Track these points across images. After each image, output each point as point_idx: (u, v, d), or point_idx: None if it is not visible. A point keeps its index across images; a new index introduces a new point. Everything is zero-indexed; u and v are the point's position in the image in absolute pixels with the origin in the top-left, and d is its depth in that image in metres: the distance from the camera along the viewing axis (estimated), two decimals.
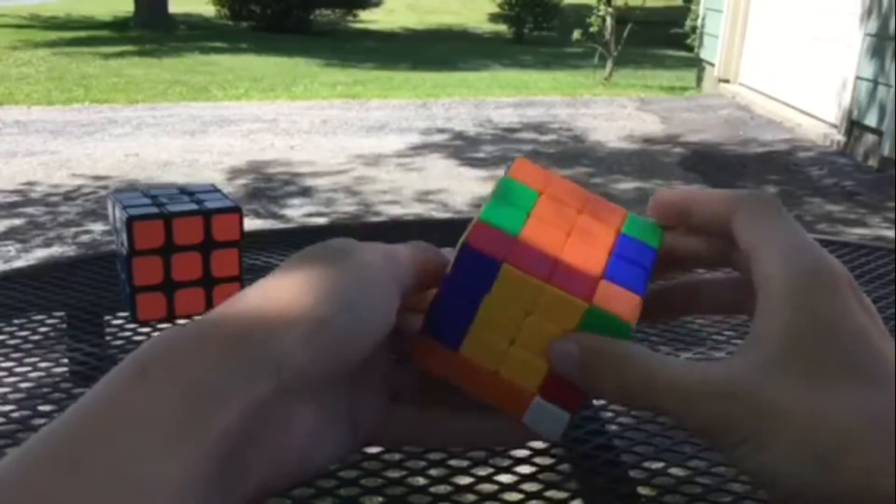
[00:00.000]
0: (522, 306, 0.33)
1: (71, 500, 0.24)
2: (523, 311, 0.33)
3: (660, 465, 0.50)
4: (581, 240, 0.35)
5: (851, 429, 0.29)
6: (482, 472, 0.50)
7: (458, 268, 0.33)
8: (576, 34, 8.26)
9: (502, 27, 12.38)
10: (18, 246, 3.27)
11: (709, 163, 4.95)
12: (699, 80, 8.12)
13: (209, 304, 0.71)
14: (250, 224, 3.23)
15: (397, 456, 0.52)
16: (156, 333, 0.30)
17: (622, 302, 0.33)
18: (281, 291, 0.31)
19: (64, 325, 0.71)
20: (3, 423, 0.55)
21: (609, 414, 0.57)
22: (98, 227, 3.50)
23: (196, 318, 0.31)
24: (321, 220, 3.70)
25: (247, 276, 0.73)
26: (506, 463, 0.51)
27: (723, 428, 0.31)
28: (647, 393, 0.32)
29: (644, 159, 4.99)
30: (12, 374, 0.62)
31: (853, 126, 5.28)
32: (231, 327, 0.29)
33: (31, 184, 4.14)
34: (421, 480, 0.49)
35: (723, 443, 0.31)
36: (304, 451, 0.32)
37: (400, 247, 0.35)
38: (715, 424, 0.31)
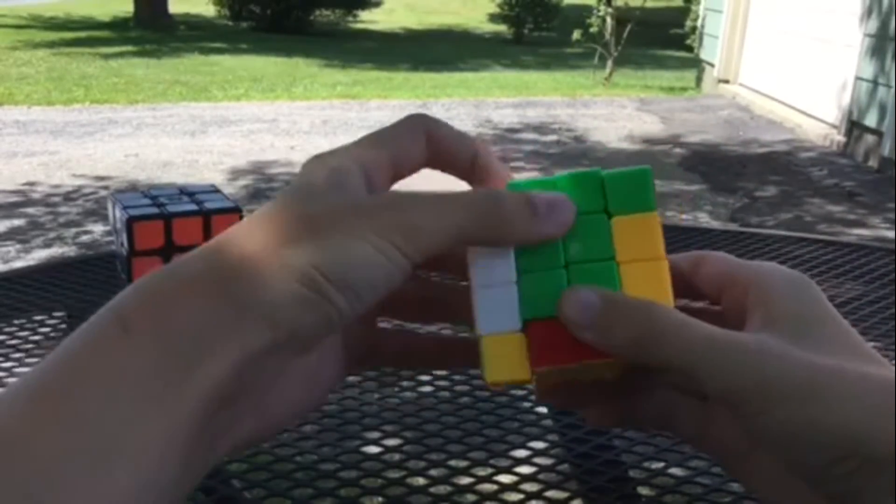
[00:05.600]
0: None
1: (48, 454, 0.24)
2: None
3: (660, 465, 0.50)
4: None
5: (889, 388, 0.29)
6: (482, 472, 0.50)
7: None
8: (576, 34, 8.26)
9: (502, 27, 12.37)
10: (18, 246, 3.27)
11: (709, 163, 4.95)
12: (699, 80, 8.11)
13: None
14: None
15: (397, 456, 0.52)
16: (131, 284, 0.28)
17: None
18: (270, 236, 0.28)
19: (64, 325, 0.71)
20: None
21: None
22: (98, 227, 3.49)
23: (177, 260, 0.28)
24: None
25: None
26: (506, 463, 0.51)
27: (758, 387, 0.29)
28: (675, 345, 0.30)
29: (644, 160, 4.99)
30: (12, 374, 0.62)
31: (853, 126, 5.28)
32: (219, 274, 0.27)
33: (31, 184, 4.14)
34: (421, 481, 0.49)
35: (752, 406, 0.29)
36: (296, 399, 0.32)
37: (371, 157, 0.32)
38: (747, 384, 0.29)
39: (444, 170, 0.35)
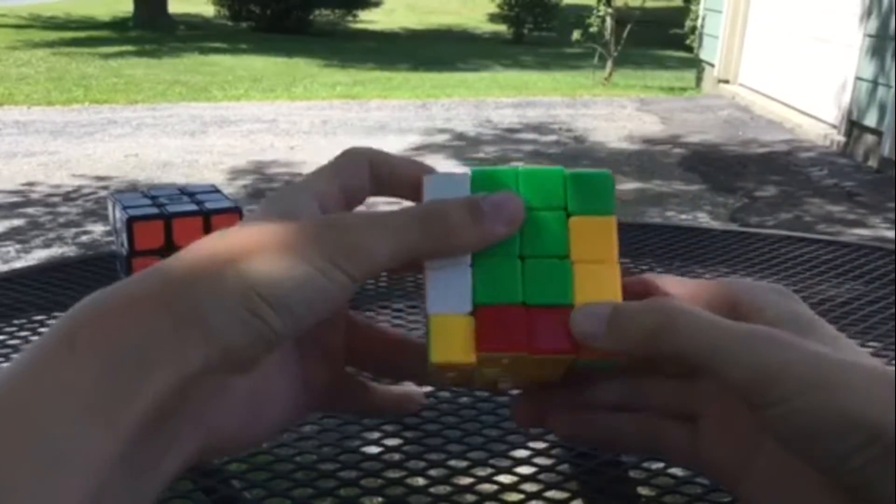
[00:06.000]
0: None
1: None
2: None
3: (660, 465, 0.50)
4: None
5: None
6: (482, 472, 0.50)
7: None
8: (575, 34, 8.26)
9: (502, 27, 12.37)
10: (18, 246, 3.27)
11: (709, 163, 4.95)
12: (699, 80, 8.11)
13: None
14: None
15: (397, 456, 0.52)
16: (86, 298, 0.28)
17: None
18: (217, 255, 0.29)
19: None
20: None
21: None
22: (98, 227, 3.49)
23: (135, 275, 0.29)
24: None
25: None
26: (506, 463, 0.51)
27: (781, 374, 0.29)
28: (690, 335, 0.30)
29: (644, 160, 4.99)
30: None
31: (853, 126, 5.28)
32: (166, 291, 0.28)
33: (31, 184, 4.14)
34: (421, 481, 0.49)
35: (772, 394, 0.29)
36: (243, 420, 0.32)
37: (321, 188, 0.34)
38: (769, 372, 0.29)
39: (393, 195, 0.36)
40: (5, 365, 0.63)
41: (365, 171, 0.35)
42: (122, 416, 0.26)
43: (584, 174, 0.34)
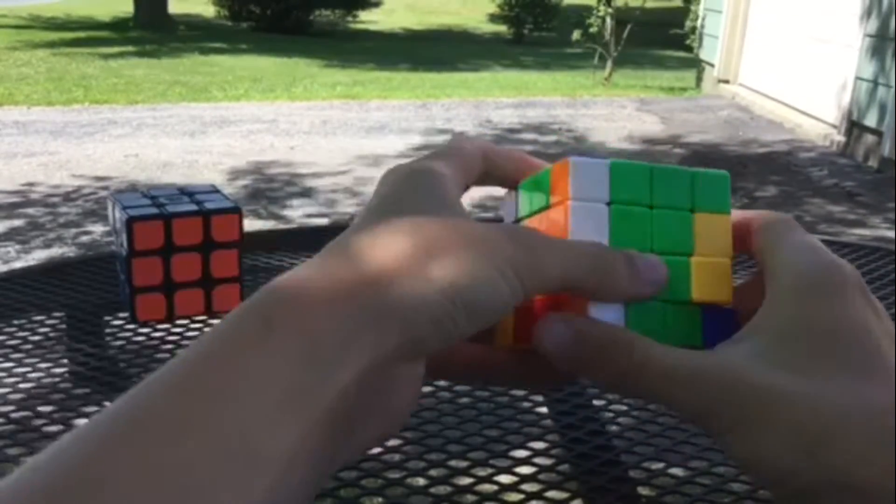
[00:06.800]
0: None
1: (176, 466, 0.23)
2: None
3: (660, 465, 0.50)
4: None
5: (840, 418, 0.29)
6: (482, 472, 0.50)
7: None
8: (575, 35, 8.26)
9: (502, 28, 12.38)
10: (18, 247, 3.27)
11: (709, 163, 4.94)
12: (699, 80, 8.12)
13: (209, 305, 0.71)
14: (250, 225, 3.23)
15: (397, 457, 0.52)
16: (273, 281, 0.28)
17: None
18: (403, 246, 0.29)
19: (64, 326, 0.71)
20: (3, 424, 0.55)
21: (609, 414, 0.57)
22: (98, 227, 3.50)
23: (314, 261, 0.29)
24: (322, 221, 3.70)
25: (247, 276, 0.73)
26: (506, 463, 0.51)
27: (713, 414, 0.31)
28: (639, 380, 0.32)
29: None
30: (12, 374, 0.62)
31: (853, 126, 5.28)
32: (357, 279, 0.28)
33: (31, 184, 4.14)
34: (421, 481, 0.49)
35: (713, 429, 0.31)
36: (402, 404, 0.32)
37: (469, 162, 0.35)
38: (705, 410, 0.31)
39: (495, 184, 0.37)
40: (7, 364, 0.63)
41: (478, 163, 0.36)
42: (315, 404, 0.25)
43: (707, 173, 0.35)
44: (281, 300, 0.27)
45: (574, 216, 0.33)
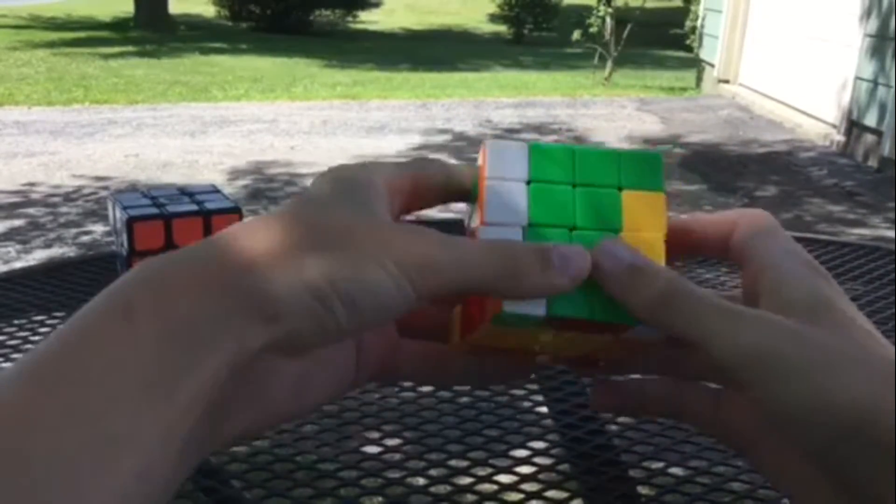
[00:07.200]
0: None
1: (35, 454, 0.23)
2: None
3: (660, 464, 0.50)
4: None
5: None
6: (482, 472, 0.50)
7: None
8: (575, 34, 8.26)
9: (502, 27, 12.38)
10: (19, 247, 3.27)
11: (709, 163, 4.95)
12: (699, 80, 8.11)
13: None
14: None
15: (397, 456, 0.52)
16: (140, 264, 0.27)
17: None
18: (282, 238, 0.28)
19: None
20: None
21: (609, 414, 0.57)
22: (98, 227, 3.49)
23: (182, 249, 0.28)
24: None
25: None
26: (506, 463, 0.51)
27: (770, 357, 0.29)
28: (687, 313, 0.30)
29: None
30: None
31: (853, 126, 5.28)
32: (227, 267, 0.27)
33: (31, 184, 4.14)
34: (421, 481, 0.49)
35: (753, 378, 0.29)
36: (291, 397, 0.32)
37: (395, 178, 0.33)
38: (759, 354, 0.29)
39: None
40: (7, 364, 0.63)
41: (444, 174, 0.35)
42: (178, 393, 0.25)
43: (636, 153, 0.35)
44: (143, 284, 0.27)
45: (489, 195, 0.33)
